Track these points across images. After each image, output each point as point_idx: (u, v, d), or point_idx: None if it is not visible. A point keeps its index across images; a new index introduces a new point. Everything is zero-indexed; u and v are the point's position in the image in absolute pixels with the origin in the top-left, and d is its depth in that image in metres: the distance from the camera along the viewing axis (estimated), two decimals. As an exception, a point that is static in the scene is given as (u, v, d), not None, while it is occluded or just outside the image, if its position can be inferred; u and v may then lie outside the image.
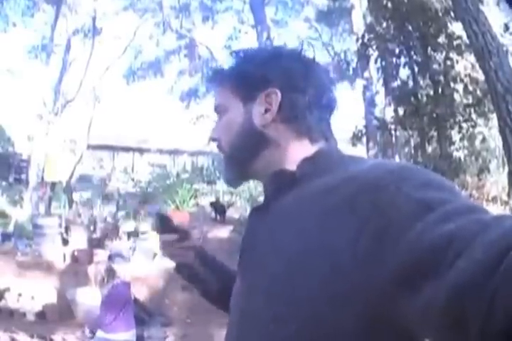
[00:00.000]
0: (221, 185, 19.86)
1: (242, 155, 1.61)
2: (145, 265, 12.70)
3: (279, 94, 1.55)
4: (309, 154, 1.53)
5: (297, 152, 1.54)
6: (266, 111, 1.57)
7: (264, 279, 1.38)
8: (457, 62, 14.55)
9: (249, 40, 25.10)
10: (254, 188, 19.11)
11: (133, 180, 19.03)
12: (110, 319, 7.90)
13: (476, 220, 1.03)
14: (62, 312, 11.07)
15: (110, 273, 8.29)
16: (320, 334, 1.23)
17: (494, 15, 14.40)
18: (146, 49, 26.97)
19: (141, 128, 25.34)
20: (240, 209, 18.22)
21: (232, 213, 18.10)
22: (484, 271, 0.91)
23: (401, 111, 15.30)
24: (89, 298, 10.24)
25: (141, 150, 21.88)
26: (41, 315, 11.07)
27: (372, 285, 1.13)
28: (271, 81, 1.57)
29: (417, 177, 1.23)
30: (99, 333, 7.95)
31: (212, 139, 1.70)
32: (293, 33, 28.91)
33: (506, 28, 14.56)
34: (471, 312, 0.92)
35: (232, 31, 26.92)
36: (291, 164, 1.52)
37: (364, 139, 17.97)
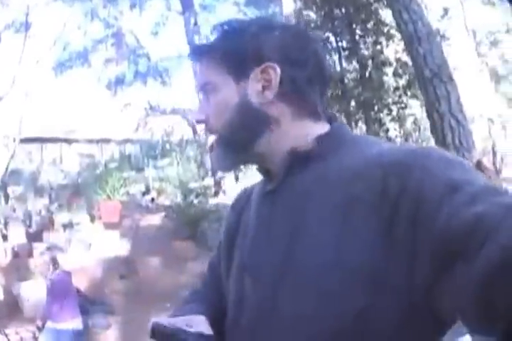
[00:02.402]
0: (150, 172, 19.74)
1: (242, 138, 1.49)
2: (82, 255, 12.67)
3: (278, 70, 1.45)
4: (322, 132, 1.48)
5: (301, 131, 1.48)
6: (264, 88, 1.47)
7: (290, 269, 1.33)
8: (387, 46, 14.71)
9: (176, 26, 25.08)
10: (183, 174, 19.06)
11: (62, 171, 18.79)
12: (57, 308, 8.09)
13: (499, 203, 1.04)
14: (10, 308, 11.14)
15: (53, 264, 8.37)
16: (359, 326, 1.21)
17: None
18: (74, 39, 26.68)
19: (68, 119, 25.11)
20: (170, 195, 18.13)
21: (163, 200, 18.05)
22: (510, 257, 0.93)
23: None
24: (34, 291, 10.28)
25: (68, 141, 21.60)
26: (-9, 312, 11.06)
27: (409, 269, 1.14)
28: (266, 55, 1.47)
29: (439, 157, 1.25)
30: (49, 323, 8.17)
31: (198, 121, 1.56)
32: (221, 17, 28.84)
33: (445, 12, 14.79)
34: (500, 298, 0.95)
35: (160, 18, 26.84)
36: (296, 143, 1.46)
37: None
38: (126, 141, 22.14)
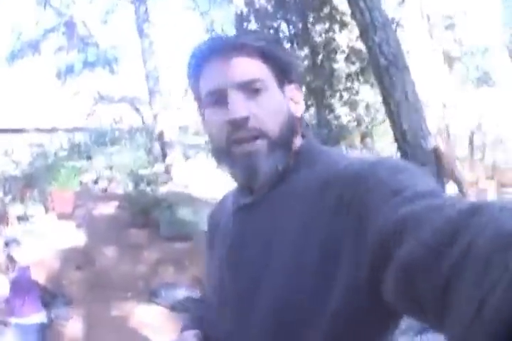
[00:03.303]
0: (99, 161, 19.60)
1: (287, 143, 1.51)
2: (38, 248, 12.55)
3: (302, 92, 1.60)
4: (296, 148, 1.55)
5: (294, 147, 1.54)
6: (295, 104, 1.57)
7: (264, 274, 1.43)
8: (341, 32, 14.79)
9: (126, 14, 24.89)
10: (133, 163, 19.00)
11: (14, 161, 18.54)
12: (20, 304, 8.16)
13: (428, 205, 1.07)
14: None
15: (11, 259, 8.35)
16: (324, 323, 1.30)
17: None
18: (27, 29, 26.32)
19: (19, 108, 24.98)
20: (121, 184, 18.08)
21: (114, 189, 17.98)
22: (432, 254, 0.95)
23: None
24: None
25: (19, 131, 21.32)
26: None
27: (356, 267, 1.22)
28: (295, 76, 1.58)
29: (388, 166, 1.31)
30: (13, 319, 8.22)
31: (242, 119, 1.45)
32: (170, 3, 28.75)
33: (402, 0, 14.86)
34: (424, 295, 0.96)
35: (110, 6, 26.57)
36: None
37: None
38: (76, 129, 21.89)
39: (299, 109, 1.58)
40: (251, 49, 1.50)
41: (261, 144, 1.46)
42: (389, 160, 1.40)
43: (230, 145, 1.49)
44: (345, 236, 1.26)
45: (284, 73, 1.54)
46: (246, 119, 1.45)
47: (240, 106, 1.45)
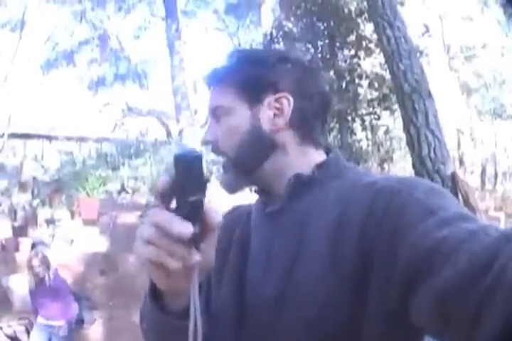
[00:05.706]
0: (125, 171, 19.89)
1: (249, 161, 1.57)
2: (64, 251, 12.86)
3: (292, 101, 1.56)
4: (320, 160, 1.58)
5: (303, 158, 1.58)
6: (275, 115, 1.57)
7: (292, 280, 1.42)
8: (364, 58, 15.00)
9: (157, 31, 25.33)
10: (157, 174, 19.28)
11: (43, 167, 18.86)
12: (58, 306, 8.32)
13: (465, 228, 1.10)
14: (1, 301, 11.22)
15: (44, 261, 8.52)
16: (352, 330, 1.32)
17: (416, 15, 14.74)
18: (62, 40, 26.79)
19: (51, 116, 25.40)
20: (145, 194, 18.33)
21: (137, 199, 18.21)
22: (467, 281, 0.99)
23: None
24: (23, 284, 10.43)
25: (50, 138, 21.61)
26: (-19, 304, 11.14)
27: (388, 282, 1.23)
28: (281, 85, 1.57)
29: (423, 185, 1.35)
30: (40, 320, 8.36)
31: (206, 142, 1.62)
32: (201, 23, 29.13)
33: (427, 29, 14.97)
34: (457, 318, 1.01)
35: (142, 22, 27.05)
36: (299, 169, 1.55)
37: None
38: (104, 139, 22.16)
39: (279, 120, 1.58)
40: (227, 75, 1.62)
41: (226, 164, 1.61)
42: (421, 179, 1.47)
43: None
44: (378, 246, 1.28)
45: (259, 90, 1.58)
46: (211, 142, 1.61)
47: (208, 131, 1.63)
